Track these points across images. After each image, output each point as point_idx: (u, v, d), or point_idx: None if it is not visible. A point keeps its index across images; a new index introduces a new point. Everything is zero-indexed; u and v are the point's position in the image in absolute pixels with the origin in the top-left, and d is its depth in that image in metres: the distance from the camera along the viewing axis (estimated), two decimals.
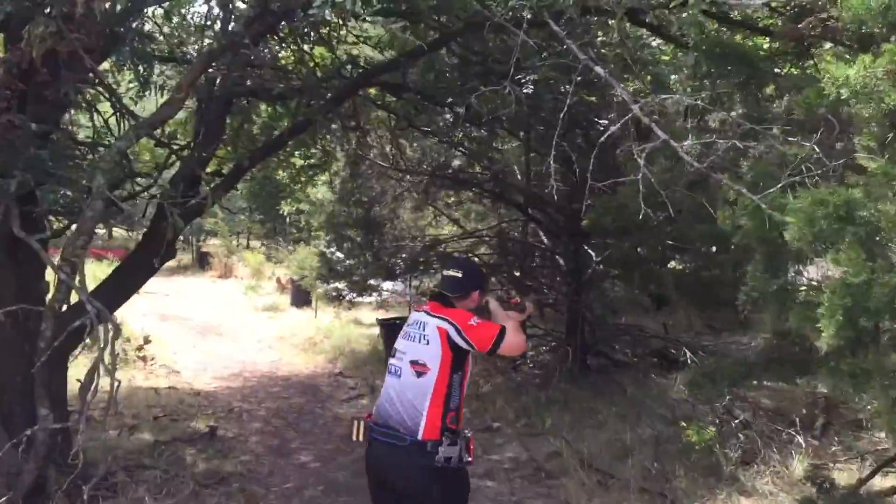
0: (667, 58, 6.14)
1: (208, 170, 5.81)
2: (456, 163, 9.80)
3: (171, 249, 4.89)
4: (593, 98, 5.57)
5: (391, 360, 3.32)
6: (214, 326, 13.26)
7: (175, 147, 5.61)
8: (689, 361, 8.92)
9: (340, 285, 10.31)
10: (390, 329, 9.32)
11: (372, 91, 7.47)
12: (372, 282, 10.27)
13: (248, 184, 23.41)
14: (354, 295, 10.27)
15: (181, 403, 7.51)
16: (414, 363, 3.16)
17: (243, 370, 9.73)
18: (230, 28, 3.93)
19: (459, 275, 3.37)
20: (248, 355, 10.78)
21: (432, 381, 3.10)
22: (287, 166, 9.83)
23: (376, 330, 12.24)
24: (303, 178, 9.76)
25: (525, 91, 4.77)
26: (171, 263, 24.18)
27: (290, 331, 12.43)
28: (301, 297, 15.19)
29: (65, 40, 3.43)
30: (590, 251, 9.48)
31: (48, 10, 3.38)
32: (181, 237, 24.63)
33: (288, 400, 8.07)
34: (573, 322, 8.91)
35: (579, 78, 3.94)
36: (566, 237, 9.47)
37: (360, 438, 3.27)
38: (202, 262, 23.31)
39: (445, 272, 3.46)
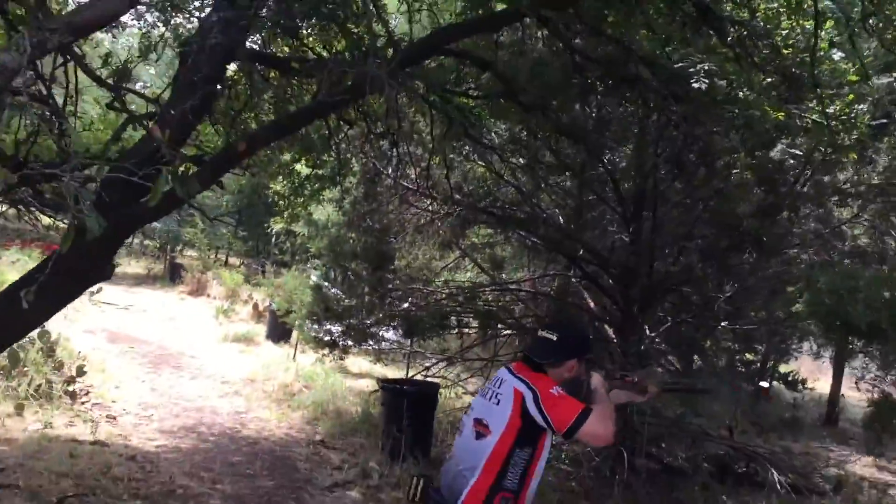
0: None
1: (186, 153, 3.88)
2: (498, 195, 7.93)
3: (100, 268, 2.91)
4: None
5: (463, 416, 3.04)
6: (173, 355, 11.09)
7: (136, 112, 3.64)
8: (777, 484, 6.96)
9: (335, 328, 8.27)
10: (393, 395, 7.27)
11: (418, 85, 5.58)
12: (373, 329, 8.27)
13: (234, 196, 21.47)
14: (351, 344, 8.21)
15: (105, 474, 5.41)
16: (477, 422, 2.84)
17: (199, 422, 7.62)
18: None
19: (553, 338, 2.92)
20: (209, 401, 8.65)
21: (489, 446, 2.74)
22: (289, 175, 7.90)
23: (367, 383, 10.23)
24: (306, 192, 7.76)
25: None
26: (139, 271, 21.86)
27: (262, 372, 10.29)
28: (278, 330, 13.14)
29: None
30: (644, 324, 7.87)
31: None
32: (154, 244, 22.24)
33: (252, 481, 5.99)
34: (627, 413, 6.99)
35: None
36: (622, 305, 7.70)
37: (416, 500, 2.86)
38: (173, 274, 21.04)
39: (539, 332, 3.05)
